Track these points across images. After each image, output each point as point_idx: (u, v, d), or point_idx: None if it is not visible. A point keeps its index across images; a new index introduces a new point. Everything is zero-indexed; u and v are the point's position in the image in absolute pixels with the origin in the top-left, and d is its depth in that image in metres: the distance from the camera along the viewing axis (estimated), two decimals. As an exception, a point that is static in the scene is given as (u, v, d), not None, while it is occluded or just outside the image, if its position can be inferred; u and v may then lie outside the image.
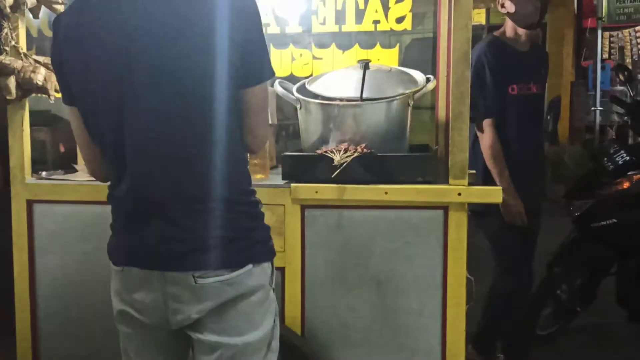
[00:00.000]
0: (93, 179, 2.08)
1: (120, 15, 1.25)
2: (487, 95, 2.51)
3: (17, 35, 2.03)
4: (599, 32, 7.93)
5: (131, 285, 1.34)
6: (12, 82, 1.98)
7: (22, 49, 2.04)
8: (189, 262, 1.28)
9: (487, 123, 2.52)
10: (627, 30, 8.28)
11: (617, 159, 2.98)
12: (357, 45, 2.78)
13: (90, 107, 1.32)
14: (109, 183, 1.40)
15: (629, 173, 2.93)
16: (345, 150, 1.89)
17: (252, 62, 1.27)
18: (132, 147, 1.28)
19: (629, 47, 8.27)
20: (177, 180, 1.29)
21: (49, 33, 3.22)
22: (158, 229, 1.29)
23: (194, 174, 1.28)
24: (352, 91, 2.05)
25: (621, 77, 3.54)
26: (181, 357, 1.45)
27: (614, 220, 2.89)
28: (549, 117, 9.50)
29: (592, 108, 7.76)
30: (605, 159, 3.03)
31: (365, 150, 1.91)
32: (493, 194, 1.86)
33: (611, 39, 8.33)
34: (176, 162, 1.28)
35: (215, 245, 1.29)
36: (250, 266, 1.32)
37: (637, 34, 8.22)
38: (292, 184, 1.95)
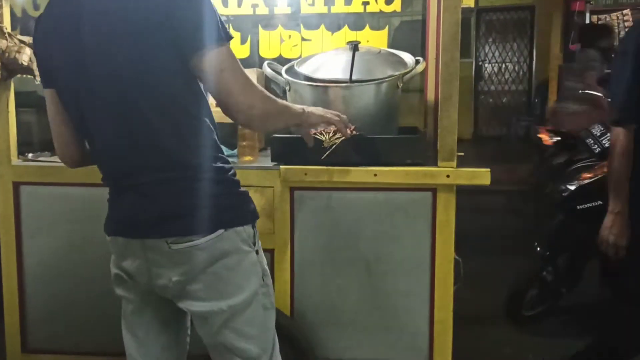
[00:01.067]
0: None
1: (72, 8, 1.34)
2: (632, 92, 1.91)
3: (1, 15, 2.00)
4: (587, 15, 7.95)
5: (119, 253, 1.45)
6: (-4, 62, 1.95)
7: (6, 28, 2.01)
8: (162, 229, 1.36)
9: (623, 131, 1.96)
10: (614, 13, 8.28)
11: (603, 141, 3.00)
12: (346, 27, 2.76)
13: (62, 93, 1.42)
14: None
15: (615, 156, 2.95)
16: (335, 133, 1.89)
17: (188, 31, 1.28)
18: (96, 128, 1.38)
19: (616, 31, 8.27)
20: (140, 154, 1.35)
21: (33, 13, 3.18)
22: (132, 200, 1.39)
23: (154, 146, 1.34)
24: (341, 73, 2.05)
25: (608, 60, 3.55)
26: (177, 322, 1.55)
27: (600, 202, 2.91)
28: (536, 100, 9.56)
29: (580, 91, 7.78)
30: (592, 141, 3.05)
31: (354, 132, 1.91)
32: (481, 176, 1.87)
33: (599, 22, 8.33)
34: (136, 137, 1.34)
35: (184, 213, 1.35)
36: (221, 231, 1.37)
37: (625, 18, 8.23)
38: (282, 166, 1.94)
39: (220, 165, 1.41)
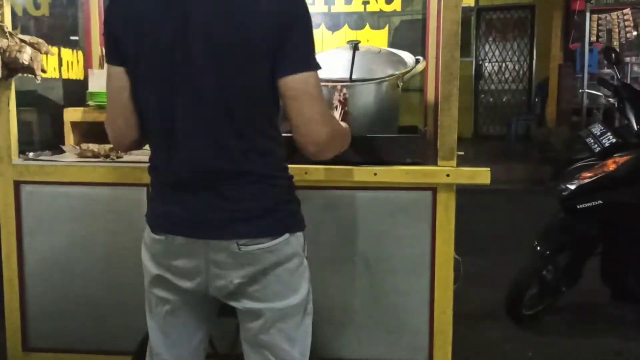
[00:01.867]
0: (81, 159, 2.08)
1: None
2: None
3: (2, 14, 2.00)
4: (588, 14, 7.95)
5: (173, 252, 1.42)
6: (-3, 61, 1.96)
7: (7, 27, 2.01)
8: (234, 231, 1.37)
9: None
10: (615, 13, 8.29)
11: (603, 140, 3.01)
12: (346, 26, 2.77)
13: (142, 74, 1.37)
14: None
15: (615, 155, 2.96)
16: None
17: (294, 50, 1.31)
18: (185, 122, 1.35)
19: (616, 30, 8.28)
20: (224, 155, 1.35)
21: (34, 12, 3.19)
22: (205, 200, 1.38)
23: (239, 149, 1.36)
24: (342, 72, 2.05)
25: (609, 59, 3.55)
26: (209, 320, 1.56)
27: (600, 201, 2.92)
28: (536, 100, 9.57)
29: (580, 90, 7.79)
30: (592, 140, 3.06)
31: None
32: (481, 175, 1.87)
33: (599, 21, 8.33)
34: (224, 138, 1.35)
35: (257, 216, 1.38)
36: (287, 235, 1.41)
37: (625, 17, 8.23)
38: (282, 165, 1.94)
39: (289, 174, 1.47)
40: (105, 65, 1.45)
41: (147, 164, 1.49)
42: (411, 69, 2.09)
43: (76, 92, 2.91)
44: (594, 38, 8.25)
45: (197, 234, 1.39)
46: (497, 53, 10.90)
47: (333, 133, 1.39)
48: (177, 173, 1.40)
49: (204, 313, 1.53)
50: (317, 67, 1.35)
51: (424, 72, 2.76)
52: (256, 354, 1.48)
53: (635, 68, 8.73)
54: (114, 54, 1.41)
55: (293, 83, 1.31)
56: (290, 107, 1.33)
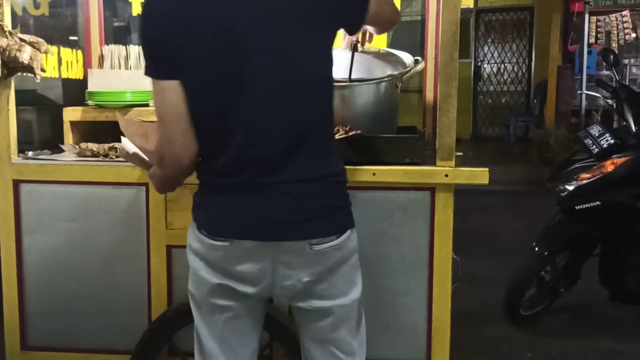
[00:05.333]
0: (80, 158, 2.08)
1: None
2: None
3: (2, 13, 2.00)
4: (586, 16, 7.96)
5: (237, 257, 1.38)
6: (-3, 60, 1.96)
7: (7, 27, 2.01)
8: (307, 231, 1.37)
9: None
10: (613, 15, 8.30)
11: (601, 141, 3.01)
12: (346, 27, 2.77)
13: (201, 82, 1.32)
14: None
15: (614, 156, 2.97)
16: (337, 131, 1.90)
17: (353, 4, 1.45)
18: (251, 124, 1.33)
19: (615, 32, 8.29)
20: (291, 151, 1.35)
21: (34, 12, 3.19)
22: (274, 201, 1.35)
23: (307, 144, 1.36)
24: (341, 72, 2.05)
25: (607, 61, 3.56)
26: (261, 324, 1.56)
27: (598, 202, 2.93)
28: (535, 101, 9.58)
29: (579, 92, 7.81)
30: (590, 141, 3.06)
31: (352, 133, 1.91)
32: (479, 176, 1.87)
33: (598, 23, 8.35)
34: (292, 133, 1.35)
35: (326, 214, 1.39)
36: (349, 231, 1.44)
37: (624, 19, 8.24)
38: (281, 165, 1.95)
39: (345, 169, 1.48)
40: (153, 81, 1.35)
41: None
42: (410, 70, 2.09)
43: (75, 91, 2.92)
44: (592, 40, 8.27)
45: (270, 236, 1.36)
46: (496, 54, 10.92)
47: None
48: (242, 175, 1.35)
49: (259, 317, 1.53)
50: None
51: (423, 73, 2.76)
52: (321, 350, 1.49)
53: (634, 70, 8.74)
54: (167, 67, 1.32)
55: (370, 9, 1.44)
56: (380, 14, 1.51)
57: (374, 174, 1.89)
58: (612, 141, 2.99)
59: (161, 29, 1.32)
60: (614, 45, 8.14)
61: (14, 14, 2.20)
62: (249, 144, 1.33)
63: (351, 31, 1.57)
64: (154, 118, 1.52)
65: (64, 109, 2.59)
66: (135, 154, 1.59)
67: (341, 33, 1.79)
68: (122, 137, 1.67)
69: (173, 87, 1.32)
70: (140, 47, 1.40)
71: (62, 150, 2.28)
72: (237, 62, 1.30)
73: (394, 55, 2.21)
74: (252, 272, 1.39)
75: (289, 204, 1.35)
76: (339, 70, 2.05)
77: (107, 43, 2.88)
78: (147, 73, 1.36)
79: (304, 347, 1.53)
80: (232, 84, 1.31)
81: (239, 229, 1.37)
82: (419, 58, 2.17)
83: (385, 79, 2.04)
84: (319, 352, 1.49)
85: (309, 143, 1.36)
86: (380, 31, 1.78)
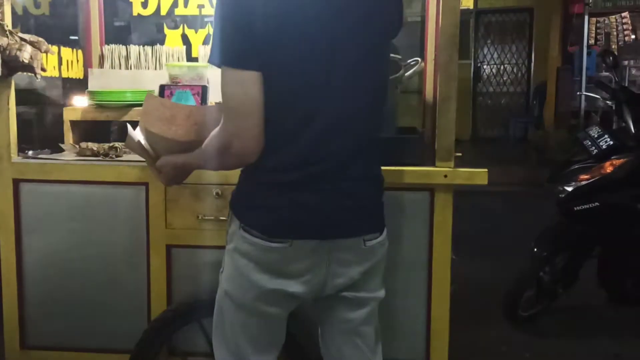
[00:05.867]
0: (80, 158, 2.08)
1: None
2: None
3: (3, 13, 2.01)
4: (586, 17, 7.97)
5: (293, 257, 1.37)
6: (-3, 59, 1.96)
7: (7, 26, 2.01)
8: (361, 228, 1.42)
9: None
10: (613, 16, 8.31)
11: (600, 143, 3.02)
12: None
13: (287, 77, 1.30)
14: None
15: (612, 157, 2.97)
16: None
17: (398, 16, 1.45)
18: (329, 122, 1.33)
19: (614, 33, 8.31)
20: (358, 156, 1.39)
21: (34, 11, 3.19)
22: (330, 199, 1.37)
23: (368, 148, 1.42)
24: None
25: (607, 62, 3.57)
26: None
27: (597, 203, 2.93)
28: (534, 102, 9.59)
29: (578, 93, 7.82)
30: (589, 143, 3.07)
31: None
32: (478, 176, 1.88)
33: (598, 24, 8.36)
34: (360, 138, 1.39)
35: (375, 211, 1.46)
36: (385, 229, 1.50)
37: (623, 20, 8.25)
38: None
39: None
40: (230, 70, 1.29)
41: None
42: (410, 71, 2.10)
43: (76, 91, 2.92)
44: (592, 41, 8.28)
45: (328, 234, 1.37)
46: (495, 55, 10.93)
47: None
48: (303, 172, 1.33)
49: (287, 317, 1.53)
50: None
51: (422, 74, 2.77)
52: (349, 344, 1.51)
53: (633, 71, 8.75)
54: (253, 57, 1.27)
55: None
56: None
57: (373, 175, 1.90)
58: (611, 142, 2.99)
59: (255, 19, 1.26)
60: (614, 46, 8.16)
61: (14, 13, 2.20)
62: (325, 141, 1.34)
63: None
64: None
65: (64, 109, 2.60)
66: (139, 144, 1.51)
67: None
68: (129, 126, 1.58)
69: (256, 79, 1.29)
70: (225, 30, 1.29)
71: (62, 150, 2.29)
72: (323, 64, 1.32)
73: (394, 56, 2.21)
74: (307, 271, 1.38)
75: (346, 201, 1.38)
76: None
77: (107, 43, 2.88)
78: (226, 60, 1.29)
79: (328, 342, 1.54)
80: (317, 82, 1.32)
81: (298, 229, 1.35)
82: (419, 59, 2.18)
83: (385, 79, 2.04)
84: (347, 345, 1.51)
85: (370, 145, 1.43)
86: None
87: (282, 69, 1.30)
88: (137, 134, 1.53)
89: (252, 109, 1.30)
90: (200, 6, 3.02)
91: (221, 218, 1.91)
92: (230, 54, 1.29)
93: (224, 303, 1.48)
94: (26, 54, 1.99)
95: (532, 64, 10.56)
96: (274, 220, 1.36)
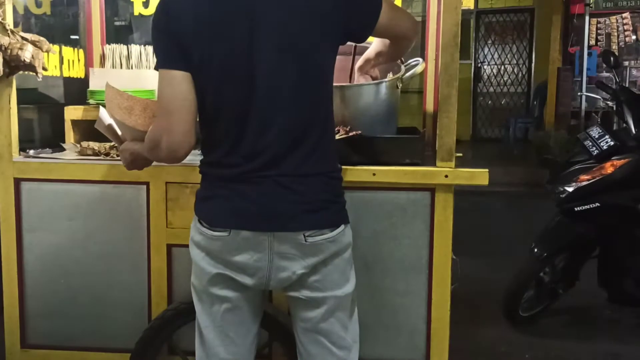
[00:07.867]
0: (81, 157, 2.09)
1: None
2: None
3: (4, 12, 2.01)
4: (587, 18, 7.97)
5: (235, 247, 1.44)
6: (-1, 58, 1.96)
7: (8, 25, 2.02)
8: (302, 222, 1.42)
9: None
10: (614, 17, 8.32)
11: (601, 143, 3.02)
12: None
13: (213, 77, 1.38)
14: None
15: (613, 158, 2.97)
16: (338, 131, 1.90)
17: (363, 9, 1.47)
18: (262, 116, 1.39)
19: (615, 34, 8.31)
20: (296, 150, 1.40)
21: (35, 10, 3.19)
22: (272, 193, 1.40)
23: (311, 138, 1.42)
24: (342, 73, 2.06)
25: (607, 63, 3.57)
26: (260, 315, 1.61)
27: (598, 204, 2.94)
28: (535, 103, 9.58)
29: (578, 94, 7.81)
30: (590, 143, 3.07)
31: (352, 133, 1.91)
32: (479, 177, 1.88)
33: (598, 25, 8.37)
34: (295, 135, 1.40)
35: (321, 207, 1.45)
36: (342, 226, 1.50)
37: (624, 21, 8.26)
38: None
39: (339, 166, 1.54)
40: (162, 71, 1.40)
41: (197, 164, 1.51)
42: (410, 71, 2.10)
43: (77, 90, 2.93)
44: (593, 42, 8.29)
45: (266, 226, 1.41)
46: (496, 56, 10.93)
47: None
48: (244, 167, 1.41)
49: (258, 308, 1.57)
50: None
51: (423, 74, 2.77)
52: (313, 342, 1.53)
53: (634, 72, 8.75)
54: (179, 58, 1.38)
55: (381, 21, 1.48)
56: (394, 27, 1.54)
57: (374, 175, 1.90)
58: (612, 143, 2.99)
59: (182, 23, 1.37)
60: (614, 47, 8.17)
61: (15, 12, 2.21)
62: (260, 137, 1.39)
63: (358, 41, 1.58)
64: None
65: (65, 108, 2.60)
66: (110, 126, 1.63)
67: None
68: (101, 107, 1.72)
69: (184, 78, 1.38)
70: (155, 37, 1.43)
71: (63, 149, 2.29)
72: (250, 59, 1.36)
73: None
74: (250, 263, 1.44)
75: (286, 196, 1.41)
76: (340, 71, 2.06)
77: (108, 42, 2.89)
78: (158, 63, 1.42)
79: (299, 342, 1.58)
80: (242, 81, 1.38)
81: (237, 219, 1.42)
82: (420, 59, 2.18)
83: (386, 80, 2.04)
84: (312, 345, 1.53)
85: (309, 140, 1.42)
86: (395, 50, 1.75)
87: (209, 70, 1.38)
88: (109, 118, 1.65)
89: (180, 105, 1.38)
90: (201, 6, 3.02)
91: (222, 217, 1.91)
92: (160, 57, 1.42)
93: (193, 295, 1.57)
94: (27, 53, 2.00)
95: (533, 65, 10.55)
96: (215, 211, 1.45)
